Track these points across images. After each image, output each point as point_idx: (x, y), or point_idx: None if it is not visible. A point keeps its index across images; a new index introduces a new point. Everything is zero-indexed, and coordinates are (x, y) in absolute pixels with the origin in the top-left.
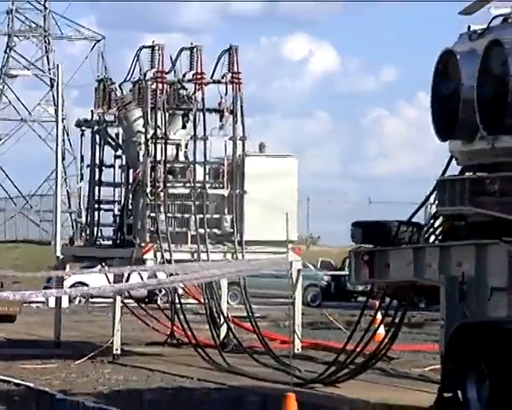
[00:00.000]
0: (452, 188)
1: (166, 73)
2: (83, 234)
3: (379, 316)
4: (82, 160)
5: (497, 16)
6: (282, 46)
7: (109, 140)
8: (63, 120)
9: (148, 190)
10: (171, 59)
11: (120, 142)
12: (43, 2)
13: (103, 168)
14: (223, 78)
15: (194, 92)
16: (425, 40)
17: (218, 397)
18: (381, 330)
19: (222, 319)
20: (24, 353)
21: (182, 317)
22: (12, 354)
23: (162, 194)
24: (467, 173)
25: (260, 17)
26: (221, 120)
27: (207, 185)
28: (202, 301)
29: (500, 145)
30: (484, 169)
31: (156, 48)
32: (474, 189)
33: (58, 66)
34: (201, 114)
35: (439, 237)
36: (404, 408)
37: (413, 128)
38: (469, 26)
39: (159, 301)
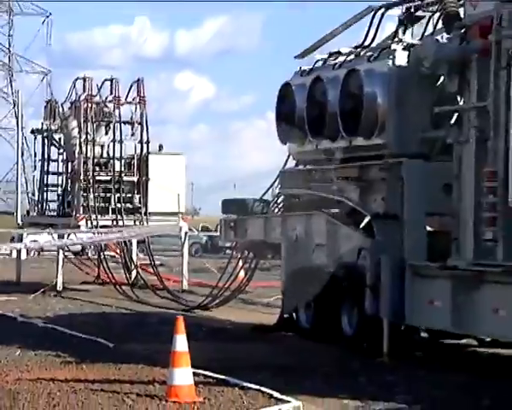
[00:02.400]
0: (290, 176)
1: (94, 97)
2: (36, 208)
3: (240, 263)
4: (35, 156)
5: (318, 60)
6: (174, 79)
7: (54, 142)
8: (22, 128)
9: (82, 177)
10: (97, 87)
11: (62, 143)
12: (7, 47)
13: (50, 162)
14: (133, 100)
15: (114, 110)
16: (272, 74)
17: (129, 319)
18: (242, 273)
19: (133, 266)
20: None
21: (105, 264)
22: None
23: (91, 180)
24: (299, 166)
25: (160, 59)
26: (132, 129)
27: (123, 174)
28: (119, 253)
29: (321, 147)
30: (310, 164)
31: (87, 79)
32: (304, 177)
33: (18, 91)
34: (118, 124)
35: (281, 210)
36: (257, 325)
37: (263, 135)
38: (301, 67)
39: (89, 254)
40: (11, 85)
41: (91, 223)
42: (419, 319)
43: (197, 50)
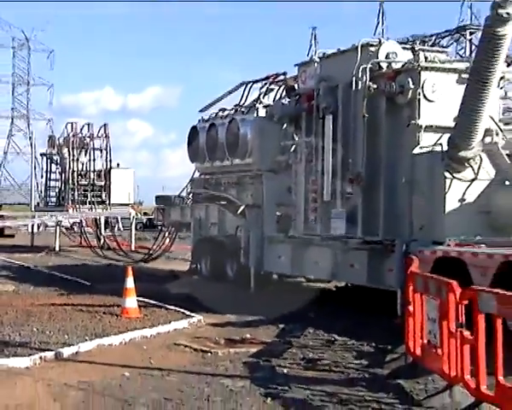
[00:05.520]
0: (196, 182)
1: (78, 134)
2: (43, 201)
3: (166, 234)
4: (42, 169)
5: (213, 113)
6: (127, 124)
7: (54, 161)
8: (35, 153)
9: (70, 182)
10: (80, 128)
11: (58, 162)
12: (26, 104)
13: (51, 173)
14: (102, 136)
15: (90, 142)
16: (186, 121)
17: (100, 268)
18: (168, 240)
19: (101, 236)
20: (16, 250)
21: (84, 235)
22: (11, 251)
23: (76, 184)
24: (202, 176)
25: (119, 112)
26: (101, 153)
27: (95, 180)
28: (94, 227)
29: (215, 164)
30: (208, 174)
31: (74, 123)
32: (205, 182)
33: (33, 131)
34: (93, 150)
35: (191, 202)
36: (171, 271)
37: (181, 158)
38: (202, 117)
39: (75, 228)
40: (28, 127)
41: (76, 210)
42: (272, 267)
43: (142, 106)
